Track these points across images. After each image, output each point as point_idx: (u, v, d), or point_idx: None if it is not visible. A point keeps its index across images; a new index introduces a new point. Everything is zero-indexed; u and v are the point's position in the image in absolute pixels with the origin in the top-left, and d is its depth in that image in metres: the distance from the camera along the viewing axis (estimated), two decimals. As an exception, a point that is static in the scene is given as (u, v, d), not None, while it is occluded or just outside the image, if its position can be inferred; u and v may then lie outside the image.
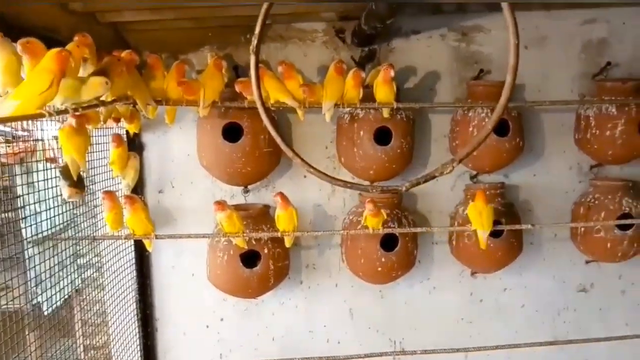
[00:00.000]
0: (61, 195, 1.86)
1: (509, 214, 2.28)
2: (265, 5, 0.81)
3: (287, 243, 2.16)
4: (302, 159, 0.89)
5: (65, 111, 1.37)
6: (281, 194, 2.04)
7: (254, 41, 0.85)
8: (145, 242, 2.08)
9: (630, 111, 2.19)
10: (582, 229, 2.35)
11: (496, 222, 2.15)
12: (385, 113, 2.09)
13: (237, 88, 1.93)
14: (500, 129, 2.20)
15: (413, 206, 2.46)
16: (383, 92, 2.00)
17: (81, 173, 1.70)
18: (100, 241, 2.14)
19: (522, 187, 2.50)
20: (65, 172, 1.68)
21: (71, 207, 2.20)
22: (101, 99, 1.55)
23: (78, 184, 1.70)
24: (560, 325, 2.61)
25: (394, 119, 2.14)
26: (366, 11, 1.81)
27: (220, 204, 1.97)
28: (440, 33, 2.36)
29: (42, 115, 1.26)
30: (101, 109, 1.70)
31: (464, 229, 2.20)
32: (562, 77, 2.41)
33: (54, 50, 1.31)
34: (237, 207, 2.14)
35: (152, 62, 1.86)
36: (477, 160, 2.24)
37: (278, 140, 0.87)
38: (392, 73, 1.98)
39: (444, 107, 2.35)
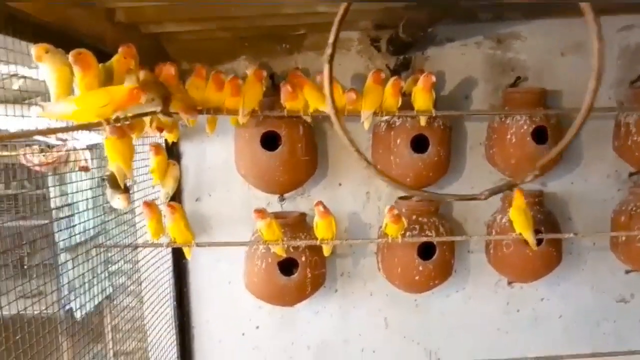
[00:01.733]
0: (105, 202, 1.89)
1: (549, 222, 2.25)
2: (343, 6, 0.80)
3: (326, 252, 2.16)
4: (378, 169, 0.88)
5: (117, 120, 1.40)
6: (321, 203, 2.04)
7: (328, 50, 0.84)
8: (185, 249, 2.10)
9: (673, 118, 2.15)
10: (624, 238, 2.30)
11: (536, 231, 2.12)
12: (423, 121, 2.08)
13: (284, 93, 1.96)
14: (539, 136, 2.18)
15: (449, 214, 2.44)
16: (422, 99, 2.00)
17: (127, 181, 1.72)
18: (139, 249, 2.17)
19: (559, 195, 2.46)
20: (112, 181, 1.71)
21: (111, 214, 2.24)
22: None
23: (125, 191, 1.73)
24: (600, 336, 2.55)
25: (431, 127, 2.13)
26: (405, 19, 1.82)
27: (261, 212, 1.98)
28: (476, 41, 2.35)
29: (99, 125, 1.29)
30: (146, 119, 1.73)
31: (505, 237, 2.18)
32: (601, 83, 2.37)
33: (129, 87, 1.36)
34: (275, 215, 2.15)
35: (197, 72, 1.89)
36: (516, 168, 2.21)
37: (352, 150, 0.86)
38: (434, 79, 1.98)
39: (481, 114, 2.34)
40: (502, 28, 2.34)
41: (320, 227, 2.07)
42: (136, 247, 2.09)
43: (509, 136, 2.19)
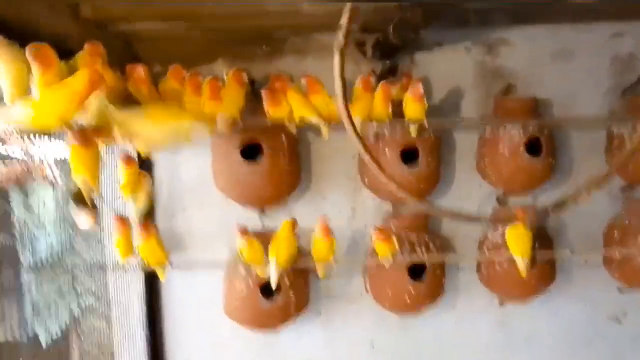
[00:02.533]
0: (69, 219, 1.70)
1: (542, 238, 2.14)
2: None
3: (321, 274, 2.03)
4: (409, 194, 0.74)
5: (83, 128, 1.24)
6: (325, 218, 1.92)
7: (339, 35, 0.71)
8: (159, 272, 1.92)
9: (669, 128, 2.08)
10: (618, 254, 2.22)
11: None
12: (413, 132, 1.97)
13: (265, 97, 1.82)
14: (532, 147, 2.08)
15: (437, 229, 2.32)
16: (414, 109, 1.89)
17: (93, 197, 1.54)
18: (107, 270, 1.98)
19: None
20: (77, 197, 1.52)
21: (72, 231, 2.06)
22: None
23: (92, 208, 1.54)
24: (592, 355, 2.45)
25: (422, 137, 2.01)
26: (397, 19, 1.71)
27: (244, 230, 1.83)
28: (465, 46, 2.26)
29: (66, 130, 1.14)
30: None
31: (500, 257, 2.06)
32: (590, 93, 2.31)
33: (86, 70, 1.20)
34: (255, 233, 2.00)
35: (173, 73, 1.73)
36: (509, 181, 2.11)
37: (373, 167, 0.73)
38: (421, 90, 1.87)
39: (478, 124, 2.23)
40: (491, 34, 2.26)
41: (320, 247, 1.93)
42: (105, 269, 1.90)
43: (501, 147, 2.09)
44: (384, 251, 1.96)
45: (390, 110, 1.91)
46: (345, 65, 2.17)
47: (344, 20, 0.72)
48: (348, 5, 0.71)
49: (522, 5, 1.92)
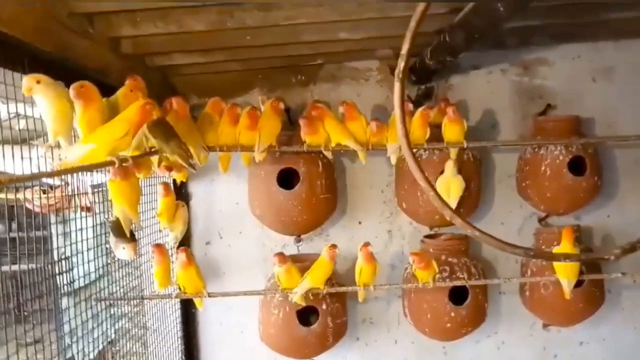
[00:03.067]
0: (108, 248, 1.71)
1: (589, 261, 2.06)
2: (421, 7, 0.66)
3: (362, 298, 2.01)
4: (470, 224, 0.72)
5: (126, 159, 1.24)
6: (369, 245, 1.89)
7: (400, 63, 0.69)
8: (196, 300, 1.91)
9: None
10: (670, 274, 2.12)
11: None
12: (453, 154, 1.93)
13: (303, 125, 1.82)
14: (576, 167, 2.02)
15: (477, 252, 2.26)
16: (453, 131, 1.86)
17: (133, 228, 1.54)
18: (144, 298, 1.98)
19: (595, 229, 2.28)
20: (117, 228, 1.53)
21: (109, 258, 2.07)
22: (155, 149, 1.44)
23: (132, 240, 1.55)
24: (644, 382, 2.34)
25: (461, 159, 1.97)
26: (435, 44, 1.69)
27: (282, 257, 1.81)
28: (501, 68, 2.22)
29: (112, 163, 1.14)
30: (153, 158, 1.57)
31: (544, 279, 1.99)
32: (633, 109, 2.24)
33: (139, 103, 1.22)
34: (292, 259, 1.98)
35: (213, 105, 1.75)
36: (552, 202, 2.05)
37: (427, 188, 0.70)
38: (456, 110, 1.85)
39: (515, 145, 2.18)
40: (528, 54, 2.22)
41: (366, 273, 1.90)
42: (142, 298, 1.90)
43: (543, 168, 2.03)
44: (424, 277, 1.91)
45: (428, 134, 1.87)
46: (380, 91, 2.18)
47: (404, 50, 0.70)
48: (410, 32, 0.69)
49: (561, 25, 1.87)
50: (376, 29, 1.67)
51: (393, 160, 1.91)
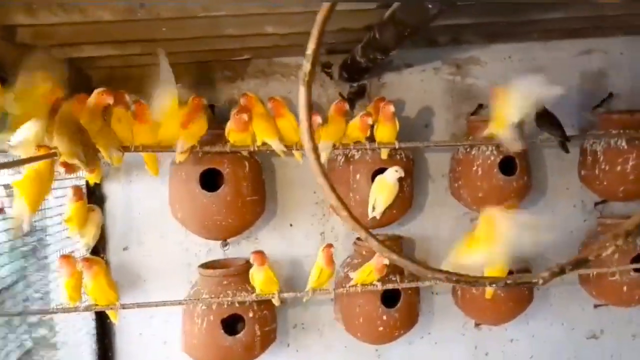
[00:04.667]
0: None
1: (519, 259, 2.07)
2: (326, 7, 0.57)
3: (276, 302, 1.92)
4: (378, 239, 0.64)
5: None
6: (332, 246, 1.86)
7: (306, 65, 0.60)
8: (110, 313, 1.76)
9: (642, 144, 2.04)
10: (595, 272, 2.16)
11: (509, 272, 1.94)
12: (384, 154, 1.88)
13: (237, 122, 1.72)
14: (507, 167, 2.01)
15: (410, 253, 2.23)
16: (386, 131, 1.81)
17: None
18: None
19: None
20: None
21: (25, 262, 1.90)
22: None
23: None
24: (572, 375, 2.40)
25: (393, 159, 1.92)
26: (365, 41, 1.61)
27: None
28: (434, 66, 2.19)
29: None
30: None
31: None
32: (562, 109, 2.26)
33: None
34: (218, 264, 1.87)
35: (116, 101, 1.59)
36: (484, 201, 2.03)
37: (330, 195, 0.62)
38: (392, 109, 1.79)
39: (445, 145, 2.15)
40: (461, 53, 2.20)
41: (325, 275, 1.86)
42: (48, 312, 1.73)
43: (474, 168, 2.01)
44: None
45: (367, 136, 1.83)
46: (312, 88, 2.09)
47: (310, 50, 0.61)
48: (315, 32, 0.60)
49: (492, 24, 1.85)
50: (303, 24, 1.57)
51: (323, 158, 1.82)
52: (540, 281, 0.65)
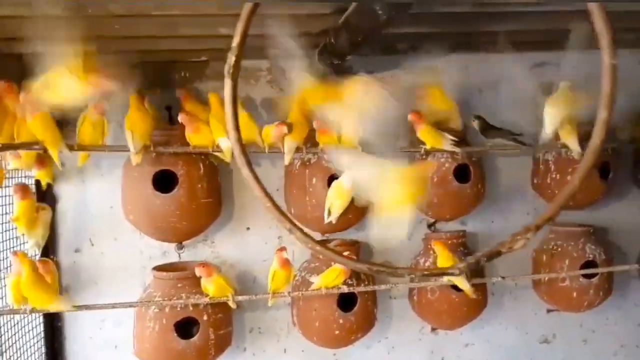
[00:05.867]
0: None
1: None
2: (248, 7, 0.59)
3: (271, 303, 1.94)
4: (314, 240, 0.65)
5: None
6: (285, 249, 1.85)
7: (231, 57, 0.62)
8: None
9: (590, 155, 2.11)
10: (547, 277, 2.22)
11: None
12: (342, 159, 1.89)
13: (182, 119, 1.70)
14: (461, 174, 2.06)
15: (367, 258, 2.24)
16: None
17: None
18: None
19: (480, 234, 2.35)
20: None
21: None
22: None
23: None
24: (525, 379, 2.45)
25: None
26: (321, 46, 1.63)
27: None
28: (393, 73, 2.21)
29: None
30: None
31: (433, 284, 2.01)
32: (515, 121, 2.32)
33: None
34: (173, 267, 1.85)
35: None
36: (439, 208, 2.08)
37: (261, 197, 0.64)
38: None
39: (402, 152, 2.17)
40: (420, 61, 2.22)
41: (279, 278, 1.84)
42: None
43: (430, 175, 2.04)
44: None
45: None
46: (271, 92, 2.09)
47: (235, 42, 0.63)
48: (240, 26, 0.62)
49: (450, 34, 1.89)
50: (259, 26, 1.58)
51: (287, 160, 1.83)
52: (457, 271, 0.67)
